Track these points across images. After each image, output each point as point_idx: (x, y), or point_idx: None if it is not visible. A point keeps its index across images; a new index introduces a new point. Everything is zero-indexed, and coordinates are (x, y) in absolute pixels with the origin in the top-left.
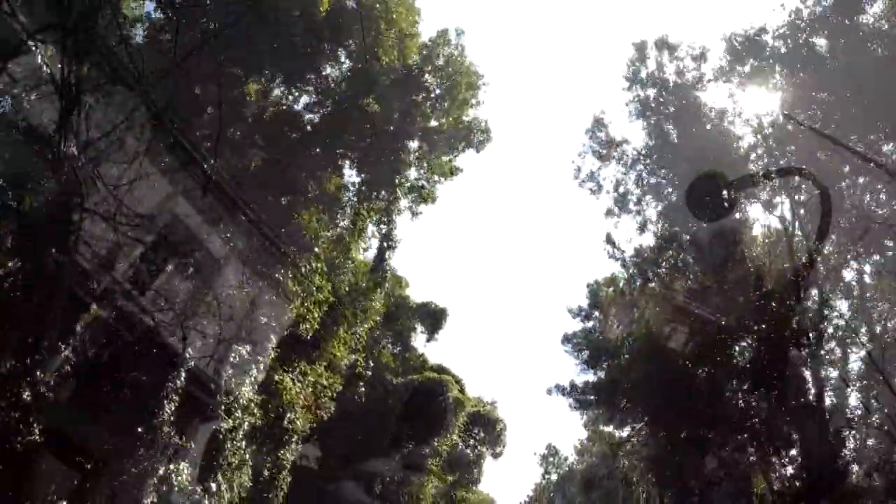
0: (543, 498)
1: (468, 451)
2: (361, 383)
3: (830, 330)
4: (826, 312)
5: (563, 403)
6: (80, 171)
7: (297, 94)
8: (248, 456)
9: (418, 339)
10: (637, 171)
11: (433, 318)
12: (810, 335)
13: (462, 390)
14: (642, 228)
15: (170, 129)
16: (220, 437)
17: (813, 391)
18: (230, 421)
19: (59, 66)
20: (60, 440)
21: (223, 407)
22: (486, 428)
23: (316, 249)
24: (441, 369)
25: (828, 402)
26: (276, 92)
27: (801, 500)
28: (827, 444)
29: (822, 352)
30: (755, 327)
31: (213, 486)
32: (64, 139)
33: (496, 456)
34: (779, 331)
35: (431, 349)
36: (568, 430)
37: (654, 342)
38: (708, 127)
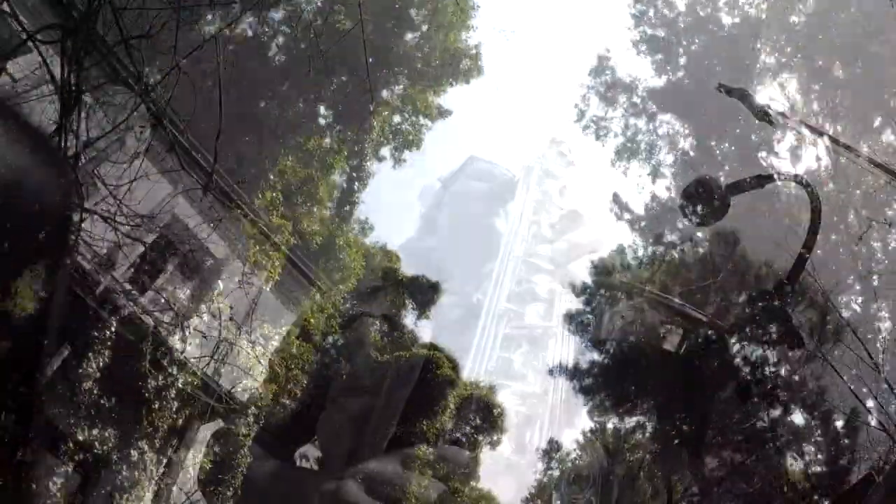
0: (544, 495)
1: (462, 437)
2: (331, 350)
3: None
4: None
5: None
6: (80, 171)
7: (267, 29)
8: (180, 420)
9: (409, 317)
10: (648, 111)
11: (425, 293)
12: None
13: (455, 369)
14: (655, 174)
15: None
16: (147, 396)
17: (815, 390)
18: (159, 378)
19: (59, 66)
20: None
21: (148, 359)
22: (483, 414)
23: (272, 177)
24: (433, 347)
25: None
26: (244, 26)
27: (804, 499)
28: (831, 444)
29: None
30: (749, 326)
31: (134, 454)
32: (64, 139)
33: (493, 445)
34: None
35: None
36: (569, 425)
37: (658, 329)
38: (722, 62)
